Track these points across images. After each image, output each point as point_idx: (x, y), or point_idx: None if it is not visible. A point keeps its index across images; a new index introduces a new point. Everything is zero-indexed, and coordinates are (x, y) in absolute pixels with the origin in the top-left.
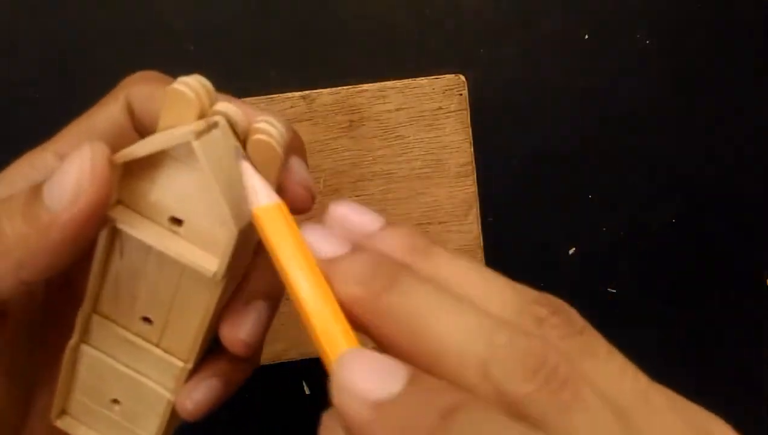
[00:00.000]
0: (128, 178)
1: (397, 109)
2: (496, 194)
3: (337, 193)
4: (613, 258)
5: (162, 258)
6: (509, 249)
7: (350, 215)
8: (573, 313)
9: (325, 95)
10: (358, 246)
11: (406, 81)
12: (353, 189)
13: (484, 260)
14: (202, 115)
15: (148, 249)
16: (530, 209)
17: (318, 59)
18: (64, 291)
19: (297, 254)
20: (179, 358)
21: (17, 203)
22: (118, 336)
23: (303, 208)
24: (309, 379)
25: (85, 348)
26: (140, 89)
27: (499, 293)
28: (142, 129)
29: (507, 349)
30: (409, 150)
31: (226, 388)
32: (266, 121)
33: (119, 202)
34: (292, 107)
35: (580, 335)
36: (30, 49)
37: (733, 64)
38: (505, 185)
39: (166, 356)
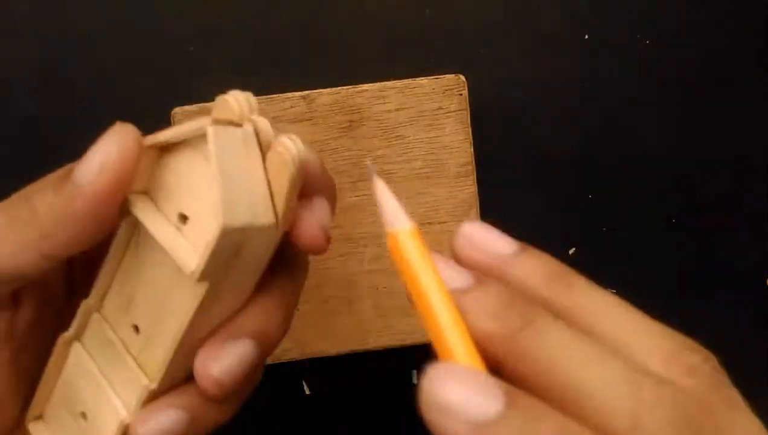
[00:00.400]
0: (158, 168)
1: (397, 109)
2: (496, 194)
3: (337, 193)
4: (613, 258)
5: (162, 255)
6: None
7: (484, 237)
8: (716, 362)
9: (325, 95)
10: (489, 276)
11: (406, 81)
12: (353, 189)
13: None
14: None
15: (154, 244)
16: (530, 209)
17: (318, 59)
18: (78, 293)
19: (435, 281)
20: (147, 375)
21: (51, 178)
22: (105, 338)
23: (314, 248)
24: (309, 379)
25: (75, 345)
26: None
27: (647, 336)
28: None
29: (654, 404)
30: (409, 150)
31: (191, 427)
32: (290, 138)
33: (145, 192)
34: (292, 107)
35: (728, 388)
36: (30, 49)
37: (734, 64)
38: (505, 185)
39: (137, 371)
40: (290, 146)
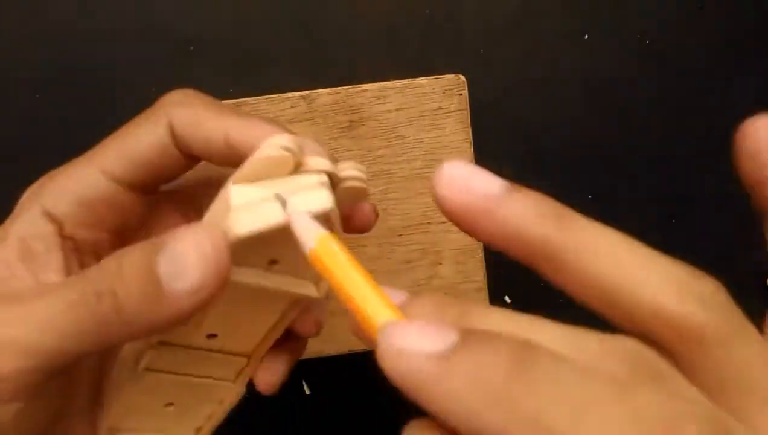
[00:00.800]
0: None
1: (397, 109)
2: None
3: None
4: None
5: (256, 292)
6: None
7: (467, 177)
8: (725, 290)
9: (325, 95)
10: (476, 220)
11: (406, 81)
12: None
13: (483, 260)
14: (295, 169)
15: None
16: None
17: (318, 59)
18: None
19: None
20: (242, 355)
21: (132, 275)
22: (177, 354)
23: (308, 335)
24: (309, 379)
25: (143, 373)
26: (184, 112)
27: (656, 269)
28: (185, 150)
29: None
30: (409, 150)
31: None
32: (355, 167)
33: None
34: (292, 107)
35: (741, 318)
36: (30, 49)
37: (733, 64)
38: None
39: (228, 356)
40: (361, 176)
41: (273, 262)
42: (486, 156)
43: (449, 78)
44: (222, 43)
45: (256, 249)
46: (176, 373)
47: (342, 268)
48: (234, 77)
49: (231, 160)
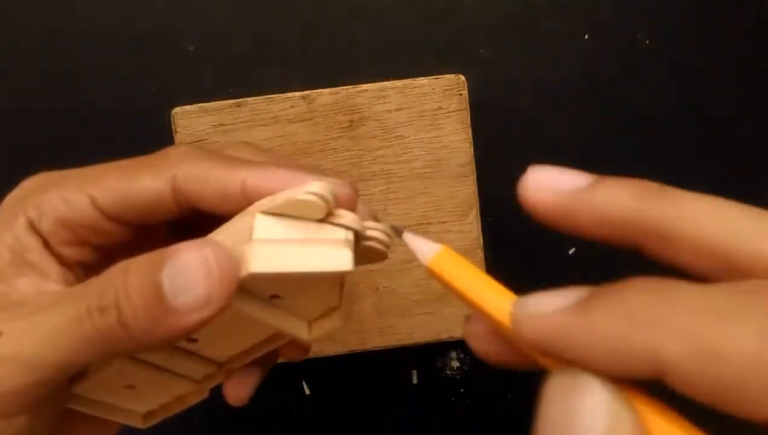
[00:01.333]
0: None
1: (397, 109)
2: (496, 194)
3: None
4: (613, 258)
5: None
6: (509, 249)
7: (552, 175)
8: None
9: (325, 95)
10: (569, 217)
11: (406, 81)
12: None
13: (483, 260)
14: (326, 216)
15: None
16: None
17: (318, 59)
18: None
19: (477, 275)
20: (214, 362)
21: (136, 289)
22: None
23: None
24: (309, 379)
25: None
26: (192, 169)
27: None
28: (185, 204)
29: None
30: (409, 150)
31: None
32: (382, 230)
33: None
34: (292, 107)
35: None
36: (30, 49)
37: (733, 64)
38: (505, 185)
39: (200, 359)
40: (385, 241)
41: (275, 296)
42: (486, 156)
43: (449, 78)
44: (222, 43)
45: (264, 282)
46: (144, 361)
47: (465, 271)
48: (234, 77)
49: (243, 208)
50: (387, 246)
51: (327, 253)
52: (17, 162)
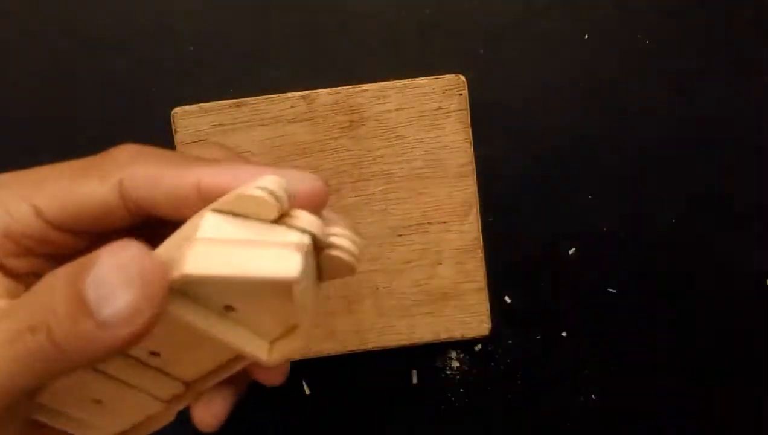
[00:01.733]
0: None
1: (397, 109)
2: (496, 194)
3: (337, 193)
4: (613, 258)
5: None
6: (509, 249)
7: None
8: None
9: (325, 95)
10: None
11: (406, 81)
12: (353, 189)
13: (483, 260)
14: (280, 216)
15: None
16: (530, 209)
17: (318, 59)
18: None
19: None
20: (181, 381)
21: (60, 302)
22: (115, 357)
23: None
24: (309, 379)
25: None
26: (139, 172)
27: None
28: (135, 209)
29: None
30: (409, 150)
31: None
32: (349, 238)
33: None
34: (292, 107)
35: None
36: (29, 49)
37: (733, 65)
38: (505, 185)
39: (166, 377)
40: (350, 249)
41: (230, 308)
42: (486, 156)
43: (449, 78)
44: (222, 43)
45: (211, 290)
46: (109, 375)
47: None
48: (234, 77)
49: (198, 210)
50: (355, 257)
51: (272, 257)
52: (17, 162)
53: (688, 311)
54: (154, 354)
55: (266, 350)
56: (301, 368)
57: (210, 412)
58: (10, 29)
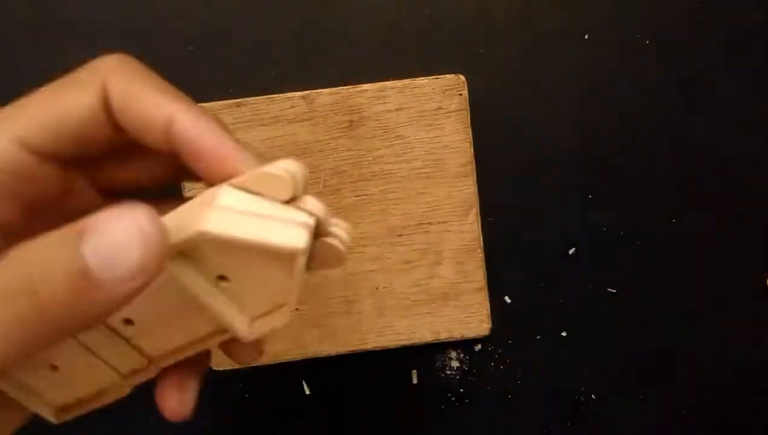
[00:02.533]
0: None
1: (397, 109)
2: (496, 194)
3: (337, 193)
4: (613, 258)
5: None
6: (509, 249)
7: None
8: None
9: (325, 95)
10: None
11: (406, 81)
12: (353, 189)
13: (483, 260)
14: (292, 198)
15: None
16: (530, 209)
17: (318, 59)
18: None
19: None
20: (146, 356)
21: (55, 268)
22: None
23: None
24: (309, 379)
25: None
26: (121, 81)
27: None
28: (115, 123)
29: None
30: (409, 150)
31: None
32: (347, 231)
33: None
34: (292, 107)
35: None
36: (29, 49)
37: (733, 64)
38: (505, 185)
39: (131, 350)
40: (346, 240)
41: (222, 278)
42: (486, 156)
43: (449, 78)
44: (222, 43)
45: (212, 256)
46: (77, 339)
47: None
48: (234, 77)
49: (162, 148)
50: (346, 246)
51: (282, 229)
52: None
53: (688, 311)
54: (128, 322)
55: (246, 323)
56: (301, 368)
57: (177, 399)
58: (9, 29)
